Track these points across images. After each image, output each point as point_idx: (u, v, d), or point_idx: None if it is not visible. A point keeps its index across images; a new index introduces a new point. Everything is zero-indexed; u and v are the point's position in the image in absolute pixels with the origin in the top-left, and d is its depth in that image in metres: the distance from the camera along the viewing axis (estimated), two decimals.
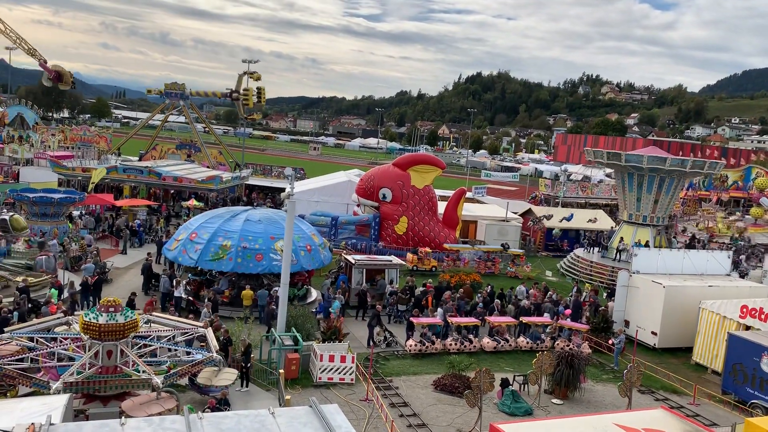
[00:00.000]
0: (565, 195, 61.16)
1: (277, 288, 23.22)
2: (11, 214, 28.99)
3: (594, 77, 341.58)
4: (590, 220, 44.86)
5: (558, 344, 23.32)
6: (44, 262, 24.33)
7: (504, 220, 43.65)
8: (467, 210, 41.58)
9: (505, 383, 18.70)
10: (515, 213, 46.23)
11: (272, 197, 51.95)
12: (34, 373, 14.21)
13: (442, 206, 38.26)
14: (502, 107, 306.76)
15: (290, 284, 21.84)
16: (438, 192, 40.11)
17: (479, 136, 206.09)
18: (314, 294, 26.96)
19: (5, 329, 15.98)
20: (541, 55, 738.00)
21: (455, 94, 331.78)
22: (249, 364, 18.20)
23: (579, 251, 38.41)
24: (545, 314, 25.57)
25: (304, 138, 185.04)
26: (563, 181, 63.66)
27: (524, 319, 24.50)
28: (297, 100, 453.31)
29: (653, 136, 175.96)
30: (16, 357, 14.39)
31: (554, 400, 19.29)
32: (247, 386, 18.03)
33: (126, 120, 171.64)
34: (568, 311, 25.98)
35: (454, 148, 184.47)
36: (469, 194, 45.54)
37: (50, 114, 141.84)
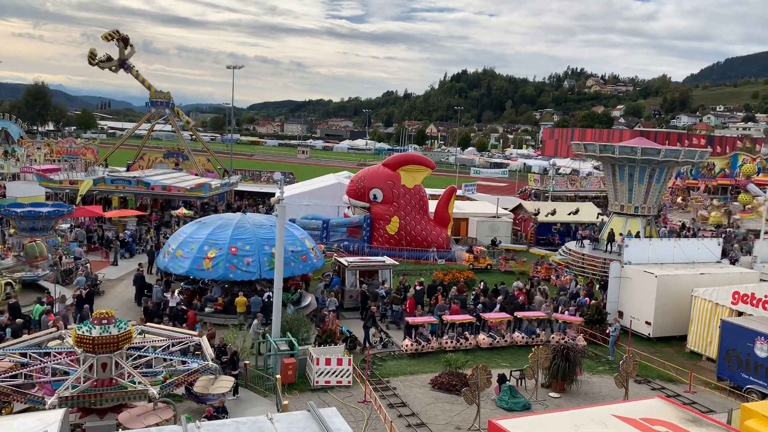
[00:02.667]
0: (554, 189, 61.43)
1: (270, 293, 23.19)
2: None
3: (579, 70, 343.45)
4: (571, 213, 45.08)
5: (553, 338, 23.40)
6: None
7: (495, 217, 43.79)
8: (458, 208, 41.69)
9: (502, 379, 18.73)
10: (506, 209, 46.38)
11: (263, 202, 51.88)
12: (29, 389, 14.10)
13: (433, 205, 38.32)
14: (489, 104, 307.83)
15: (284, 289, 21.78)
16: (428, 191, 40.19)
17: (467, 134, 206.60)
18: (308, 298, 26.91)
19: None
20: (525, 50, 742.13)
21: (441, 92, 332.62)
22: (237, 372, 18.08)
23: (571, 244, 38.58)
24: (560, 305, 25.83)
25: (292, 142, 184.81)
26: (552, 175, 63.94)
27: (519, 314, 24.55)
28: (284, 104, 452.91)
29: (640, 126, 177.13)
30: (10, 373, 14.27)
31: (552, 394, 19.35)
32: (237, 394, 17.76)
33: (112, 131, 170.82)
34: (588, 300, 26.56)
35: (443, 147, 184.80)
36: (459, 192, 45.65)
37: (35, 127, 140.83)
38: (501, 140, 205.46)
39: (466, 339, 22.98)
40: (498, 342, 23.28)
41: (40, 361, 14.91)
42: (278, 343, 19.64)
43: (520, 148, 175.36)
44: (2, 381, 13.67)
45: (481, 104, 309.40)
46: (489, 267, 35.28)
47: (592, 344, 23.85)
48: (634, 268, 26.01)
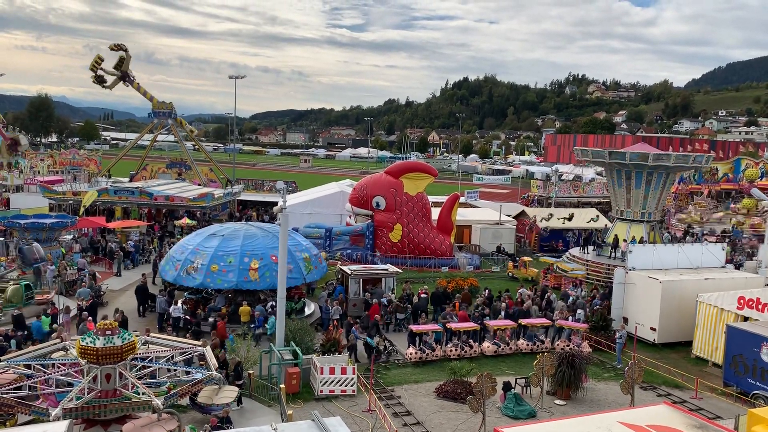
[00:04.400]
0: (557, 195, 61.39)
1: (273, 303, 23.17)
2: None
3: (580, 77, 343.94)
4: (565, 218, 45.19)
5: (558, 345, 23.31)
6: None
7: (498, 223, 43.74)
8: (461, 215, 41.68)
9: (507, 387, 18.65)
10: (509, 215, 46.35)
11: (266, 212, 51.94)
12: (33, 400, 14.08)
13: (436, 212, 38.30)
14: (491, 111, 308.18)
15: (287, 298, 21.74)
16: (431, 198, 40.18)
17: (469, 141, 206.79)
18: (312, 307, 26.87)
19: (2, 358, 15.83)
20: (526, 57, 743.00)
21: (443, 100, 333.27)
22: (241, 382, 18.02)
23: (574, 250, 38.46)
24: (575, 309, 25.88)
25: (295, 151, 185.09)
26: (555, 181, 63.89)
27: (523, 321, 24.47)
28: (286, 113, 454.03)
29: (642, 132, 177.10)
30: (14, 385, 14.26)
31: (557, 401, 19.26)
32: (240, 404, 17.72)
33: (115, 141, 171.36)
34: (606, 302, 26.58)
35: (445, 154, 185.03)
36: (462, 199, 45.64)
37: (38, 139, 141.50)
38: (503, 147, 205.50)
39: (471, 347, 22.90)
40: (503, 349, 23.19)
41: (45, 372, 14.90)
42: (282, 353, 19.60)
43: (523, 154, 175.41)
44: (6, 393, 13.65)
45: (483, 111, 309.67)
46: (531, 278, 34.30)
47: (597, 351, 23.74)
48: (638, 274, 25.92)
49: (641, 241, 32.71)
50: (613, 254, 34.51)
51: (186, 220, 41.24)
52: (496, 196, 69.92)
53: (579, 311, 25.89)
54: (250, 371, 18.72)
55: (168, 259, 26.18)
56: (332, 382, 18.92)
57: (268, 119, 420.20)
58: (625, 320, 25.76)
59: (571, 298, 27.69)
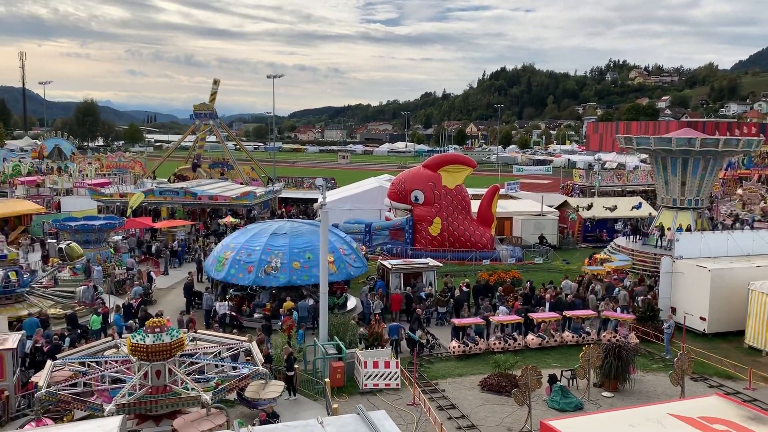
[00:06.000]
0: (600, 184, 60.26)
1: (316, 298, 23.42)
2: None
3: (621, 63, 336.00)
4: (607, 208, 44.25)
5: (604, 336, 22.94)
6: (82, 292, 24.49)
7: (540, 214, 43.19)
8: (501, 207, 41.28)
9: (552, 379, 18.45)
10: (551, 206, 45.73)
11: (306, 209, 52.46)
12: (88, 396, 14.55)
13: (475, 205, 38.03)
14: (530, 100, 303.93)
15: (329, 293, 21.94)
16: (470, 191, 39.90)
17: (508, 132, 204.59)
18: (353, 302, 27.05)
19: (57, 356, 16.40)
20: (564, 44, 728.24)
21: (480, 91, 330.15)
22: (293, 373, 18.32)
23: (620, 240, 37.75)
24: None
25: (333, 147, 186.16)
26: (597, 170, 62.71)
27: (568, 313, 24.15)
28: (323, 110, 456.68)
29: (687, 117, 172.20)
30: (70, 382, 14.77)
31: (604, 393, 18.96)
32: (294, 395, 18.16)
33: (159, 143, 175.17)
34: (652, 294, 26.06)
35: (484, 146, 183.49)
36: (502, 191, 45.20)
37: (86, 143, 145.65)
38: (543, 137, 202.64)
39: (515, 340, 22.72)
40: (547, 342, 22.94)
41: (98, 369, 15.39)
42: (326, 347, 19.80)
43: (564, 143, 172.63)
44: (63, 389, 14.15)
45: (522, 101, 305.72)
46: (623, 275, 30.09)
47: (645, 342, 23.26)
48: (686, 263, 25.28)
49: (688, 229, 31.90)
50: (659, 243, 33.77)
51: (230, 219, 41.94)
52: (537, 186, 69.01)
53: (622, 298, 25.44)
54: (296, 366, 18.96)
55: (230, 260, 25.27)
56: (376, 375, 19.02)
57: (306, 117, 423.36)
58: (673, 310, 25.17)
59: (616, 289, 27.19)
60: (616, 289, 27.16)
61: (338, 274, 25.48)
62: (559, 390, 18.08)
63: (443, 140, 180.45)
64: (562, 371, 19.57)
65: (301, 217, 47.07)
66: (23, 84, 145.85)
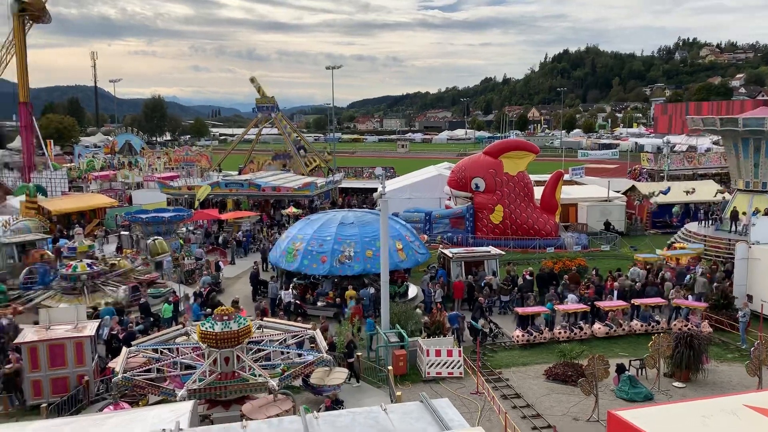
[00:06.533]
0: (669, 168, 58.05)
1: (375, 288, 23.61)
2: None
3: (690, 41, 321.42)
4: (687, 192, 42.37)
5: (675, 325, 22.18)
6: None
7: (606, 200, 42.02)
8: (566, 193, 40.35)
9: (621, 369, 17.98)
10: (618, 191, 44.40)
11: (366, 198, 52.76)
12: (161, 382, 15.14)
13: (539, 192, 37.32)
14: (594, 83, 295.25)
15: (390, 282, 22.04)
16: (533, 177, 39.17)
17: (572, 115, 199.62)
18: (414, 290, 27.09)
19: (132, 343, 17.15)
20: (629, 24, 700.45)
21: (542, 74, 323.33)
22: (353, 360, 18.52)
23: (691, 225, 36.29)
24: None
25: (392, 137, 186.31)
26: (666, 153, 60.43)
27: (636, 301, 23.47)
28: (382, 100, 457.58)
29: (763, 96, 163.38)
30: (144, 368, 15.42)
31: (675, 384, 18.35)
32: (358, 382, 18.38)
33: (223, 137, 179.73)
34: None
35: (546, 130, 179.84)
36: (566, 176, 44.17)
37: (154, 138, 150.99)
38: (609, 120, 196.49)
39: (581, 329, 22.25)
40: (615, 331, 22.36)
41: (170, 356, 16.00)
42: (388, 335, 19.93)
43: (631, 126, 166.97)
44: (138, 375, 14.79)
45: (586, 84, 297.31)
46: (696, 262, 28.50)
47: (719, 331, 22.34)
48: (763, 248, 24.08)
49: (766, 214, 30.35)
50: (733, 228, 32.29)
51: (292, 209, 42.68)
52: (603, 171, 67.09)
53: (701, 286, 24.49)
54: (359, 353, 19.18)
55: (301, 251, 25.36)
56: (439, 364, 19.03)
57: (365, 107, 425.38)
58: (749, 298, 24.04)
59: (688, 276, 26.21)
60: (688, 276, 26.17)
61: (407, 261, 25.83)
62: (627, 380, 17.62)
63: (504, 126, 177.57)
64: (630, 361, 19.06)
65: (364, 206, 47.40)
66: (95, 83, 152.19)
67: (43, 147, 66.96)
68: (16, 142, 78.64)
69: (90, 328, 18.21)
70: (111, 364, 17.02)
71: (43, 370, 17.07)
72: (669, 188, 43.00)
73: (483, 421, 16.11)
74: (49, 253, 28.80)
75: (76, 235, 30.41)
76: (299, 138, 71.05)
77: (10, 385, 17.25)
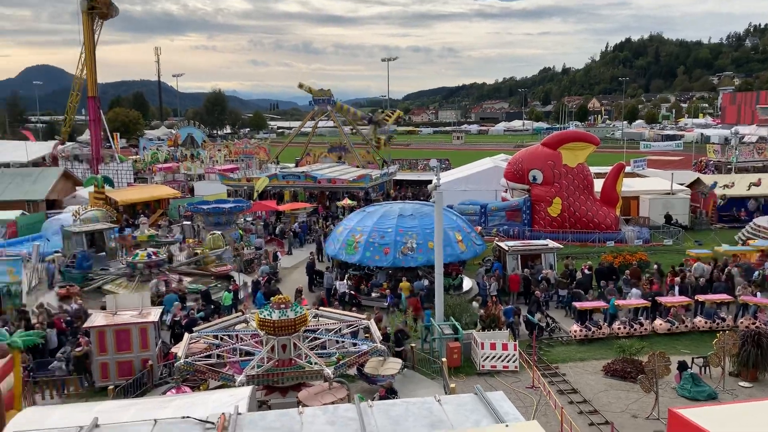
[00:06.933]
0: (738, 160, 55.63)
1: (429, 280, 23.58)
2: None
3: (762, 26, 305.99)
4: (754, 184, 40.51)
5: (742, 322, 21.33)
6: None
7: (669, 193, 40.66)
8: (627, 185, 39.19)
9: (683, 366, 17.43)
10: (682, 184, 42.89)
11: (420, 190, 52.64)
12: (221, 367, 15.60)
13: (599, 184, 36.42)
14: (658, 72, 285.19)
15: (444, 274, 21.97)
16: (593, 169, 38.26)
17: (634, 106, 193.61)
18: (468, 283, 26.93)
19: (194, 329, 17.70)
20: (694, 10, 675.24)
21: (603, 64, 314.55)
22: (401, 349, 18.54)
23: (761, 220, 34.72)
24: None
25: (447, 128, 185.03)
26: (735, 144, 57.93)
27: (700, 297, 22.66)
28: (437, 91, 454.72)
29: None
30: (205, 354, 15.91)
31: (742, 383, 17.64)
32: (403, 369, 18.17)
33: (281, 130, 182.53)
34: None
35: (607, 121, 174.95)
36: (627, 168, 42.90)
37: (215, 131, 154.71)
38: (673, 110, 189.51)
39: (641, 324, 21.66)
40: (677, 327, 21.67)
41: (230, 342, 16.46)
42: (442, 327, 19.91)
43: (696, 117, 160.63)
44: (199, 360, 15.27)
45: (649, 73, 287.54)
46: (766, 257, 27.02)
47: None
48: None
49: None
50: None
51: (347, 201, 43.03)
52: (667, 163, 64.87)
53: None
54: (412, 344, 19.22)
55: (362, 244, 25.36)
56: (494, 357, 18.89)
57: (420, 99, 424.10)
58: None
59: (756, 273, 25.11)
60: (756, 272, 25.08)
61: (467, 252, 25.81)
62: (689, 378, 17.07)
63: (563, 117, 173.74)
64: (693, 358, 18.45)
65: (421, 198, 47.34)
66: (158, 77, 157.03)
67: (111, 140, 69.74)
68: (85, 135, 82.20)
69: (154, 314, 18.89)
70: (173, 349, 17.63)
71: (110, 353, 17.84)
72: (715, 183, 41.27)
73: (538, 415, 15.90)
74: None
75: (141, 225, 31.60)
76: (368, 114, 70.90)
77: (80, 367, 18.12)
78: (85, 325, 18.82)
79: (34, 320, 20.88)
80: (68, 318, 20.91)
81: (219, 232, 31.00)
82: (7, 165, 62.39)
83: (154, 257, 25.71)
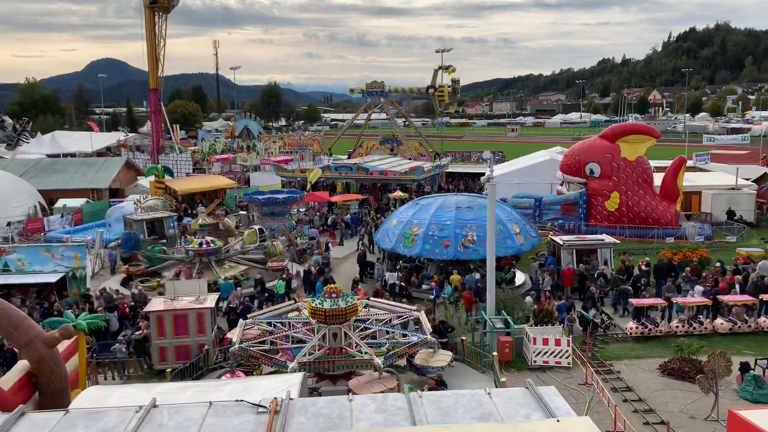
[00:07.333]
0: None
1: (480, 274, 23.37)
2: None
3: None
4: None
5: None
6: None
7: (733, 188, 39.10)
8: (688, 180, 37.91)
9: (745, 367, 16.79)
10: (747, 179, 41.15)
11: (473, 183, 52.18)
12: (274, 354, 15.91)
13: (659, 178, 35.31)
14: (724, 63, 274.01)
15: (497, 268, 21.76)
16: (653, 163, 37.10)
17: (697, 98, 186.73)
18: (521, 277, 26.59)
19: (248, 316, 18.09)
20: None
21: (665, 54, 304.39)
22: (444, 340, 18.47)
23: None
24: None
25: (501, 121, 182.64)
26: None
27: (765, 297, 21.74)
28: (492, 83, 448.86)
29: None
30: (258, 340, 16.25)
31: None
32: (452, 362, 18.07)
33: (334, 122, 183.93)
34: None
35: (669, 114, 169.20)
36: (689, 163, 41.46)
37: (270, 124, 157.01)
38: (740, 102, 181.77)
39: (701, 323, 20.95)
40: (739, 327, 20.86)
41: (283, 329, 16.76)
42: (494, 321, 19.74)
43: (765, 110, 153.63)
44: (253, 346, 15.62)
45: (714, 64, 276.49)
46: None
47: None
48: None
49: None
50: None
51: (399, 193, 43.05)
52: (732, 158, 62.21)
53: None
54: (463, 337, 19.14)
55: (421, 236, 25.27)
56: (546, 353, 18.63)
57: (474, 90, 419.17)
58: None
59: None
60: None
61: (525, 245, 25.66)
62: (752, 379, 16.43)
63: (622, 109, 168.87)
64: (756, 359, 17.73)
65: (477, 191, 46.99)
66: (216, 70, 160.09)
67: (170, 131, 71.76)
68: (147, 127, 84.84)
69: (210, 300, 19.40)
70: (229, 335, 18.08)
71: (168, 337, 18.43)
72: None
73: (591, 412, 15.62)
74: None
75: (199, 214, 32.41)
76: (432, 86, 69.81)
77: (140, 350, 18.82)
78: (144, 309, 19.49)
79: (96, 304, 21.76)
80: (132, 303, 21.73)
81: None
82: (73, 155, 65.10)
83: (204, 246, 26.32)
